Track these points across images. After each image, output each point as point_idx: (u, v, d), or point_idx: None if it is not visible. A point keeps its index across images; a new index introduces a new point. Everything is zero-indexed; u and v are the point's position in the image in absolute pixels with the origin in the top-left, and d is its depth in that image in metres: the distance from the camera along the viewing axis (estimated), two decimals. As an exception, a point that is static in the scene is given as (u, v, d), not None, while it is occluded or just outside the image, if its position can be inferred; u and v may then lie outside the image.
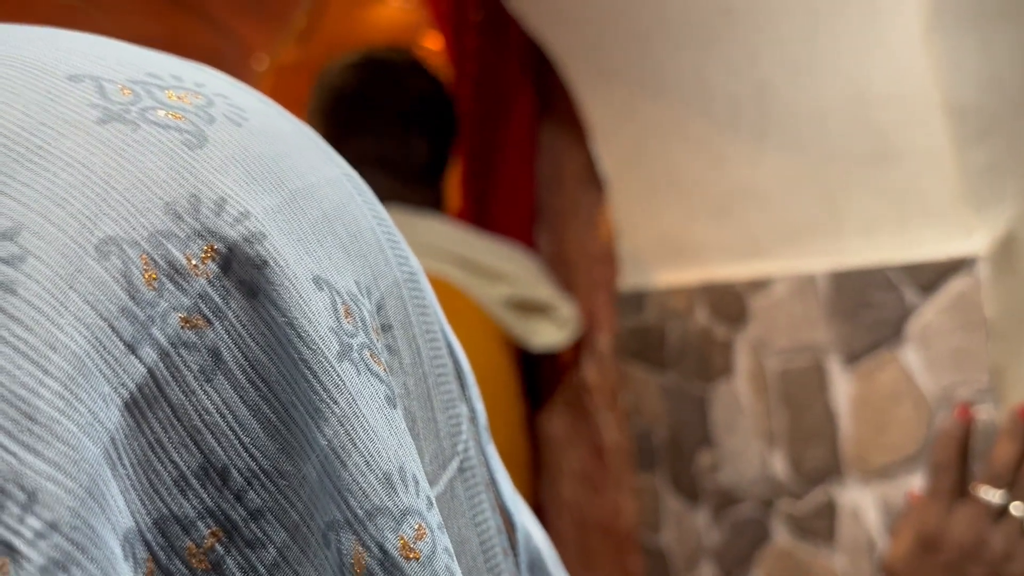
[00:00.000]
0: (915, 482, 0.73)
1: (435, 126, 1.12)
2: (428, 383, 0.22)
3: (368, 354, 0.18)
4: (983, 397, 0.68)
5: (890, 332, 0.75)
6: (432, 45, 3.22)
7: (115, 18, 3.34)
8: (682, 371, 1.00)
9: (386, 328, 0.20)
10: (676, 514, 1.02)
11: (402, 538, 0.17)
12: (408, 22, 2.75)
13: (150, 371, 0.16)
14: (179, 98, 0.20)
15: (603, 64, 1.00)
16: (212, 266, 0.17)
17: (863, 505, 0.79)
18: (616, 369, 1.16)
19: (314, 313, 0.17)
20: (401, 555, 0.17)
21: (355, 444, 0.17)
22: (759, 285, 0.88)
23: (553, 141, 1.35)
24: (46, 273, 0.15)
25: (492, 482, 0.24)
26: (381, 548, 0.17)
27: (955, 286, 0.70)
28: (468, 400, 0.24)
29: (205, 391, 0.16)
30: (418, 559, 0.17)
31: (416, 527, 0.18)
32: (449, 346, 0.24)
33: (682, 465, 1.01)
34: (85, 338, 0.15)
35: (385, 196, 1.11)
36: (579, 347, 1.22)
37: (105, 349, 0.15)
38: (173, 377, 0.16)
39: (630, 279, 1.10)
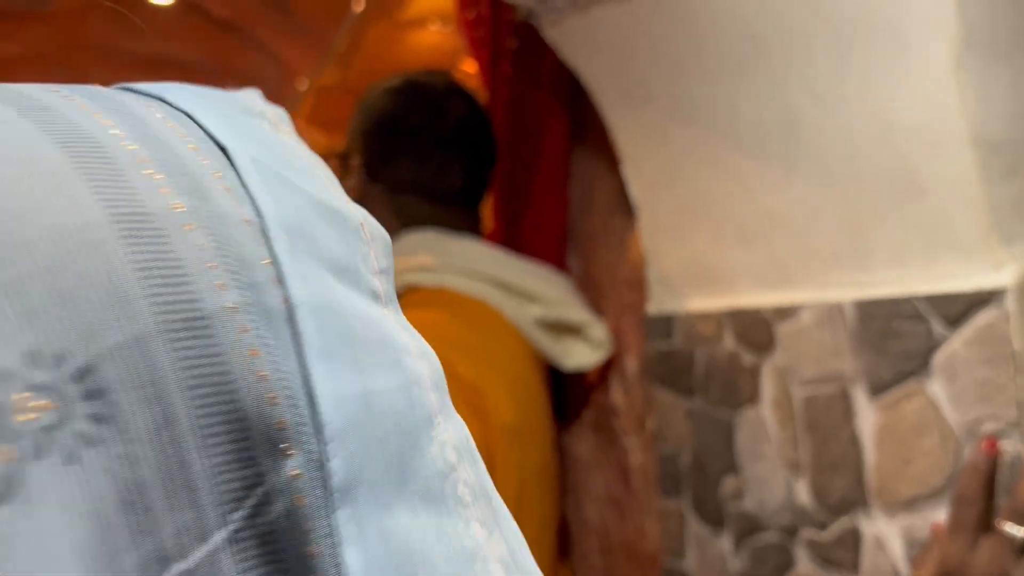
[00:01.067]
0: (940, 515, 0.73)
1: (473, 150, 1.14)
2: (185, 447, 0.19)
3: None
4: (1010, 431, 0.68)
5: (917, 363, 0.75)
6: (470, 69, 3.26)
7: (160, 40, 3.44)
8: (709, 396, 1.00)
9: (94, 394, 0.19)
10: (700, 539, 1.02)
11: None
12: (446, 46, 2.79)
13: None
14: None
15: (634, 91, 1.01)
16: None
17: (887, 536, 0.78)
18: (643, 392, 1.17)
19: None
20: None
21: None
22: (786, 312, 0.88)
23: (585, 166, 1.36)
24: None
25: (333, 555, 0.21)
26: None
27: (982, 318, 0.70)
28: (308, 460, 0.21)
29: None
30: None
31: None
32: (297, 397, 0.21)
33: (707, 490, 1.01)
34: None
35: (424, 220, 1.13)
36: (607, 369, 1.22)
37: None
38: None
39: (659, 303, 1.10)
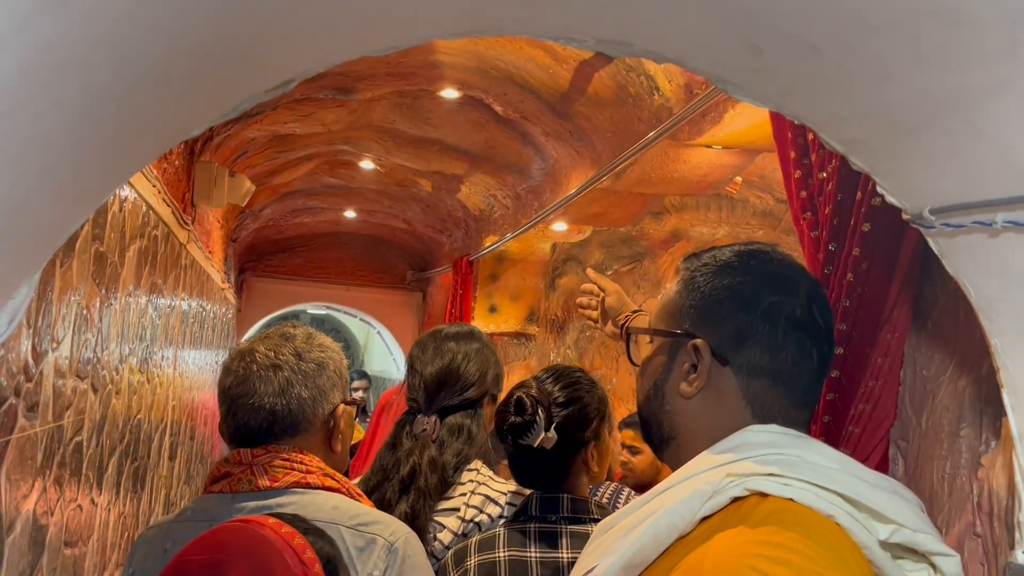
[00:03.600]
0: None
1: (825, 333, 1.04)
2: None
3: None
4: None
5: None
6: (735, 187, 3.18)
7: (450, 128, 3.67)
8: None
9: None
10: None
11: None
12: (720, 162, 2.74)
13: None
14: None
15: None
16: None
17: None
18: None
19: None
20: None
21: None
22: None
23: (923, 359, 1.25)
24: None
25: None
26: None
27: None
28: None
29: None
30: None
31: None
32: None
33: None
34: None
35: (776, 411, 1.03)
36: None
37: None
38: None
39: (1034, 555, 0.97)
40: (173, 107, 0.78)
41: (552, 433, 1.37)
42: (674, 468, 1.04)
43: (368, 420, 2.92)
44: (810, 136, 1.41)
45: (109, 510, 1.92)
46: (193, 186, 2.81)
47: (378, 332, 8.28)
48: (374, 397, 9.06)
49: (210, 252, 3.88)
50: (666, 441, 1.03)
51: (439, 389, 1.56)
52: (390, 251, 7.46)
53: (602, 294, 1.68)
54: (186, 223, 2.73)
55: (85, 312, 1.55)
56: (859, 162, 0.98)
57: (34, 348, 1.26)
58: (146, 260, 2.13)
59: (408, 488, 1.48)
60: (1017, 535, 1.00)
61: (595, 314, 1.70)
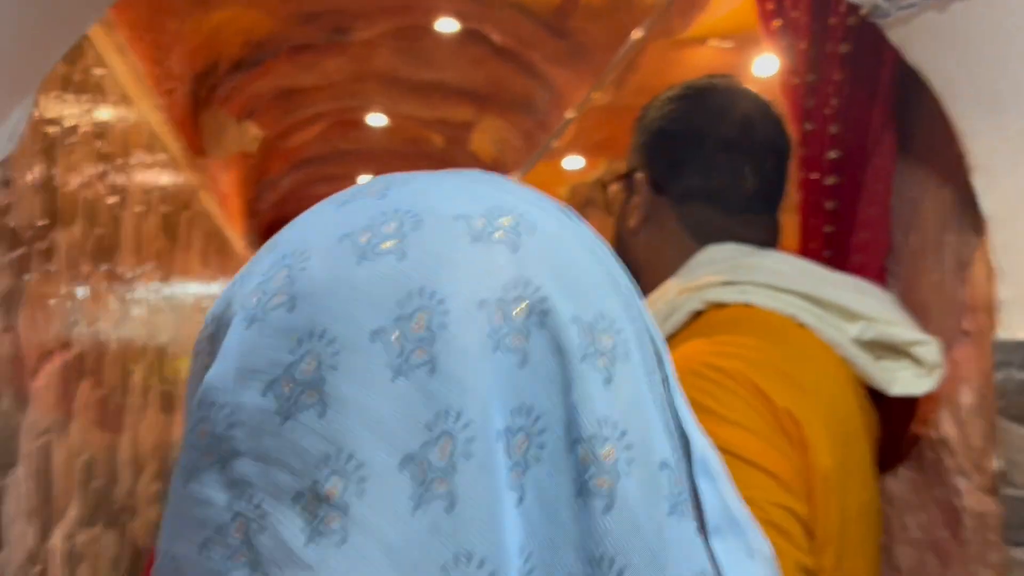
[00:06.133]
0: None
1: (765, 150, 1.04)
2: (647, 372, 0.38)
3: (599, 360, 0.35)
4: None
5: None
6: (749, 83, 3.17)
7: (447, 67, 3.70)
8: (1084, 436, 0.88)
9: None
10: (1067, 600, 0.89)
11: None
12: (726, 61, 2.74)
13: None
14: (505, 222, 0.36)
15: (996, 96, 0.92)
16: (524, 313, 0.34)
17: None
18: (984, 427, 1.05)
19: (569, 336, 0.35)
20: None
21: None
22: None
23: (908, 180, 1.26)
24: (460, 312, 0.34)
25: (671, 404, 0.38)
26: None
27: None
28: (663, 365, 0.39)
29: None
30: None
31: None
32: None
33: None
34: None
35: (718, 231, 1.03)
36: (935, 399, 1.12)
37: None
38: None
39: (1012, 328, 0.99)
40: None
41: None
42: None
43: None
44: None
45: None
46: (201, 136, 2.88)
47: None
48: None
49: (228, 215, 3.95)
50: (637, 283, 1.04)
51: None
52: (409, 214, 7.51)
53: None
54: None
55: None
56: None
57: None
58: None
59: None
60: (998, 315, 1.02)
61: None
